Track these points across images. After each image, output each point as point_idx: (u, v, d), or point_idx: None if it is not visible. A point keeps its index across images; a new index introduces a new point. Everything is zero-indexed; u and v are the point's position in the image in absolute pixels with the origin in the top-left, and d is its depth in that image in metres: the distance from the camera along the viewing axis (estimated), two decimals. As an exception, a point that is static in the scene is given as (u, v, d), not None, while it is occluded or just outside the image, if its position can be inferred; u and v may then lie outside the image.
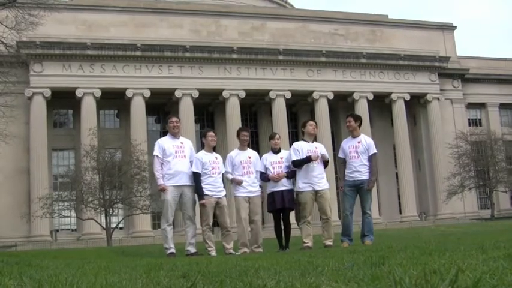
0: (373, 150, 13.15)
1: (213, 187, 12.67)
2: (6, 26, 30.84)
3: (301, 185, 12.79)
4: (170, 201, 12.48)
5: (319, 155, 12.74)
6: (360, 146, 12.99)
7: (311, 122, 13.27)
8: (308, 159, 12.62)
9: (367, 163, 12.95)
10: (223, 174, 12.93)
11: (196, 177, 12.58)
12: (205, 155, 12.80)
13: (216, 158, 12.93)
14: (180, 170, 12.53)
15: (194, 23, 58.64)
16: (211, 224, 12.81)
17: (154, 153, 12.73)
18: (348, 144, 13.12)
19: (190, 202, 12.74)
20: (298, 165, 12.75)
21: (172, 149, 12.61)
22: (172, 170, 12.50)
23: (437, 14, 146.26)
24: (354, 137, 13.21)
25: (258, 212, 13.16)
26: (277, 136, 13.45)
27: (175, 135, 12.89)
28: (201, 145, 13.52)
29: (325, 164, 12.98)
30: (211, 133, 13.13)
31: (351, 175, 12.93)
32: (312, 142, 13.08)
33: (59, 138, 54.31)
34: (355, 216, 13.12)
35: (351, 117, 13.40)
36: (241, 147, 13.35)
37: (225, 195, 12.90)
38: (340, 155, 13.13)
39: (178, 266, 6.63)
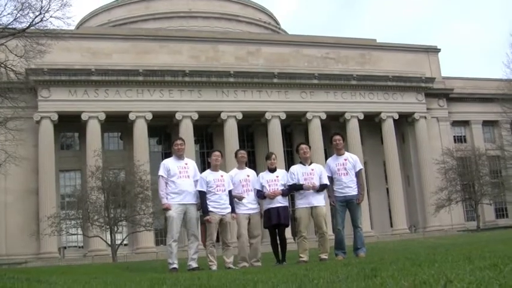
0: (360, 166, 13.23)
1: (218, 204, 12.66)
2: (15, 55, 31.01)
3: (298, 201, 12.81)
4: (175, 218, 12.50)
5: (312, 185, 12.64)
6: (348, 163, 13.00)
7: (301, 146, 13.17)
8: (301, 188, 12.66)
9: (355, 179, 12.98)
10: (229, 191, 12.87)
11: (201, 195, 12.63)
12: (210, 174, 12.82)
13: (222, 176, 12.91)
14: (185, 189, 12.59)
15: (193, 49, 58.81)
16: (214, 240, 12.78)
17: (160, 173, 12.77)
18: (335, 162, 13.10)
19: (195, 220, 12.77)
20: (294, 190, 12.84)
21: (176, 169, 12.67)
22: (177, 189, 12.56)
23: (422, 38, 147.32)
24: (340, 155, 13.22)
25: (258, 228, 13.18)
26: (273, 156, 13.40)
27: (179, 157, 12.97)
28: (201, 165, 13.49)
29: (322, 187, 12.86)
30: (215, 153, 13.16)
31: (342, 191, 12.90)
32: (309, 164, 13.05)
33: (66, 160, 54.15)
34: (345, 230, 13.11)
35: (339, 135, 13.38)
36: (240, 167, 13.39)
37: (230, 212, 12.82)
38: (327, 173, 13.10)
39: (180, 281, 6.61)
